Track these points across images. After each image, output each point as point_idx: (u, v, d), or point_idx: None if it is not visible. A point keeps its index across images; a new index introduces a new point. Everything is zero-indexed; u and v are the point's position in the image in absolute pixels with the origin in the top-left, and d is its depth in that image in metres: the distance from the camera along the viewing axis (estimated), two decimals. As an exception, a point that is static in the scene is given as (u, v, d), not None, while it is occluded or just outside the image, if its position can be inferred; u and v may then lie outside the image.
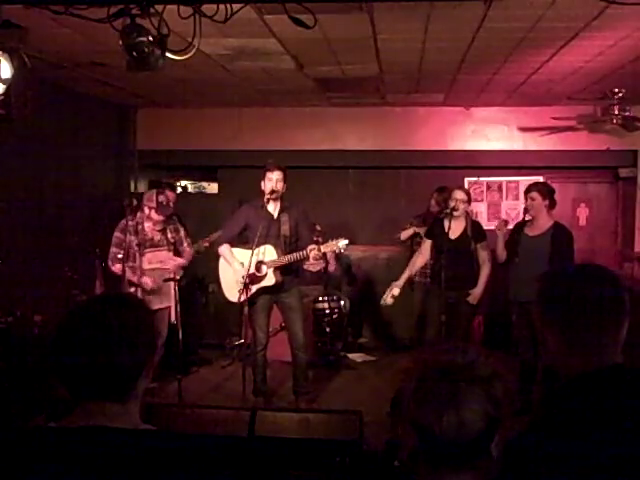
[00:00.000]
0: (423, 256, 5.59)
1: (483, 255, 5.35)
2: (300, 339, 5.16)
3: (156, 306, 5.19)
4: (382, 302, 5.48)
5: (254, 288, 5.00)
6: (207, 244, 6.34)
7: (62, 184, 6.29)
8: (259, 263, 4.97)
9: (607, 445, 1.34)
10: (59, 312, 5.54)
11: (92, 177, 6.93)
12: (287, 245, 5.05)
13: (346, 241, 4.86)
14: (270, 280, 4.99)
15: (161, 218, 5.37)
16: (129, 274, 5.21)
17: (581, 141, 7.20)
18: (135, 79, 5.63)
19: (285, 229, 5.04)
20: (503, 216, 7.15)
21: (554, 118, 6.90)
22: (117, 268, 5.26)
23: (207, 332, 7.36)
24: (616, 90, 6.07)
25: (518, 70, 5.43)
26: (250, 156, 7.41)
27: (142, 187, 8.21)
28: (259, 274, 4.97)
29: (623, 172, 7.48)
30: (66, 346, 1.41)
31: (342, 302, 6.85)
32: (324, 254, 5.11)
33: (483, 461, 1.29)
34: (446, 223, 5.29)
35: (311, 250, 4.82)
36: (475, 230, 5.39)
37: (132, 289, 5.22)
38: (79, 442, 1.33)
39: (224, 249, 5.14)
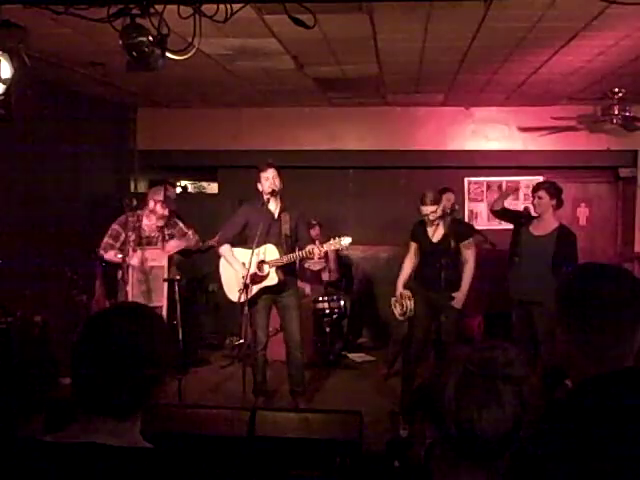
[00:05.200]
0: (410, 259, 5.34)
1: (465, 254, 5.09)
2: (296, 338, 5.15)
3: (148, 304, 5.23)
4: (400, 318, 5.37)
5: (256, 288, 4.98)
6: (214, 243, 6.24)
7: (62, 184, 6.29)
8: (261, 262, 4.96)
9: (621, 448, 1.33)
10: (59, 312, 5.55)
11: (92, 177, 6.93)
12: (288, 245, 5.04)
13: (349, 239, 4.82)
14: (273, 279, 4.97)
15: (166, 213, 5.41)
16: (117, 258, 5.26)
17: (581, 141, 7.21)
18: (135, 79, 5.63)
19: (286, 228, 5.04)
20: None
21: (554, 118, 6.90)
22: (109, 254, 5.31)
23: (207, 332, 7.37)
24: (616, 90, 6.08)
25: (518, 70, 5.43)
26: (250, 156, 7.40)
27: (142, 187, 8.22)
28: (261, 274, 4.96)
29: (623, 172, 7.48)
30: (83, 359, 1.37)
31: (342, 302, 6.84)
32: (325, 254, 5.08)
33: (501, 461, 1.30)
34: (428, 226, 5.12)
35: (314, 248, 4.81)
36: (456, 230, 5.14)
37: (128, 288, 5.25)
38: (77, 459, 1.30)
39: (225, 249, 5.12)
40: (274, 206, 5.05)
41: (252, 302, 5.03)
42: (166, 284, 5.36)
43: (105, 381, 1.34)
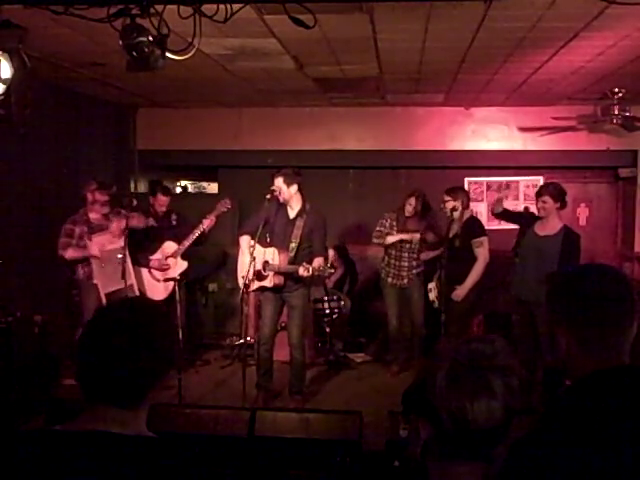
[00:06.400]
0: None
1: (476, 252, 5.41)
2: (294, 338, 5.17)
3: (112, 287, 5.25)
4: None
5: (257, 284, 5.04)
6: (213, 219, 5.90)
7: (62, 184, 6.29)
8: (266, 262, 5.00)
9: (618, 446, 1.33)
10: (59, 312, 5.56)
11: (92, 177, 6.93)
12: (297, 250, 5.03)
13: (332, 270, 5.11)
14: (269, 282, 5.03)
15: (105, 198, 5.41)
16: (78, 253, 5.30)
17: (581, 141, 7.20)
18: (135, 79, 5.62)
19: (296, 234, 5.03)
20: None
21: (554, 118, 6.90)
22: (68, 253, 5.31)
23: (207, 332, 7.36)
24: (616, 90, 6.08)
25: (518, 70, 5.43)
26: (250, 156, 7.41)
27: (142, 187, 8.21)
28: (264, 273, 5.00)
29: (623, 172, 7.48)
30: (89, 348, 1.42)
31: (342, 302, 6.85)
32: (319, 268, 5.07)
33: (496, 453, 1.32)
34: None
35: (300, 268, 4.86)
36: (467, 228, 5.41)
37: (96, 280, 5.28)
38: (83, 447, 1.33)
39: (243, 239, 5.16)
40: (291, 209, 5.06)
41: (261, 298, 5.14)
42: (130, 262, 5.39)
43: (106, 370, 1.39)
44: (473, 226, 5.50)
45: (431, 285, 5.84)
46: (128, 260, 5.33)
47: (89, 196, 5.42)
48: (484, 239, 5.46)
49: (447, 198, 5.51)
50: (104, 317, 1.48)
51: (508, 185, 5.67)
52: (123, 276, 5.15)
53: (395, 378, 6.06)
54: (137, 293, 5.49)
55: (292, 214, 5.07)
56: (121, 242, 5.30)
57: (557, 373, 1.62)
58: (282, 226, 5.02)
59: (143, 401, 1.43)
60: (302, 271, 4.84)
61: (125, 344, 1.39)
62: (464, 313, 5.54)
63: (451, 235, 5.45)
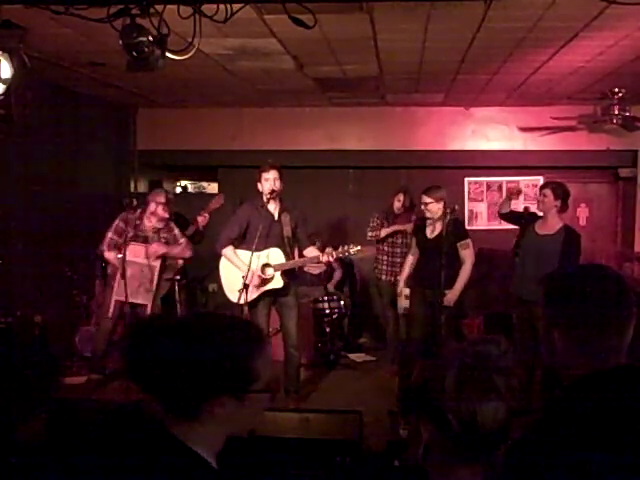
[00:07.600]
0: (411, 254, 5.52)
1: (462, 255, 5.18)
2: (293, 336, 5.15)
3: (134, 300, 5.21)
4: (402, 312, 5.65)
5: (261, 290, 4.98)
6: (206, 215, 6.09)
7: (62, 184, 6.29)
8: (265, 265, 4.93)
9: (614, 447, 1.33)
10: (59, 312, 5.56)
11: (92, 177, 6.93)
12: (290, 246, 5.03)
13: (358, 247, 4.97)
14: (279, 282, 4.95)
15: (166, 215, 5.38)
16: (115, 261, 5.22)
17: (581, 141, 7.21)
18: (135, 79, 5.63)
19: (287, 230, 5.02)
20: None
21: (554, 118, 6.90)
22: (111, 256, 5.26)
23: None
24: (616, 90, 6.08)
25: (518, 70, 5.43)
26: (250, 156, 7.40)
27: (142, 187, 8.21)
28: (265, 276, 4.94)
29: (623, 172, 7.49)
30: (140, 350, 1.37)
31: (342, 302, 6.85)
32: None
33: (497, 455, 1.32)
34: (428, 222, 5.24)
35: (323, 255, 4.88)
36: (453, 230, 5.15)
37: (114, 283, 5.25)
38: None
39: (228, 251, 5.02)
40: (273, 207, 5.03)
41: (253, 303, 5.02)
42: (154, 284, 5.34)
43: (149, 372, 1.35)
44: (458, 228, 5.25)
45: (406, 291, 5.52)
46: (155, 280, 5.33)
47: (152, 205, 5.34)
48: (469, 241, 5.25)
49: (428, 200, 5.12)
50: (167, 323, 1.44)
51: (519, 191, 5.68)
52: (123, 276, 5.14)
53: (395, 378, 6.06)
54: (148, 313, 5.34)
55: (275, 214, 5.03)
56: (154, 262, 5.31)
57: (557, 374, 1.61)
58: (267, 227, 4.91)
59: (197, 415, 1.35)
60: (326, 257, 4.88)
61: (173, 353, 1.33)
62: (450, 315, 5.37)
63: (431, 235, 5.22)
